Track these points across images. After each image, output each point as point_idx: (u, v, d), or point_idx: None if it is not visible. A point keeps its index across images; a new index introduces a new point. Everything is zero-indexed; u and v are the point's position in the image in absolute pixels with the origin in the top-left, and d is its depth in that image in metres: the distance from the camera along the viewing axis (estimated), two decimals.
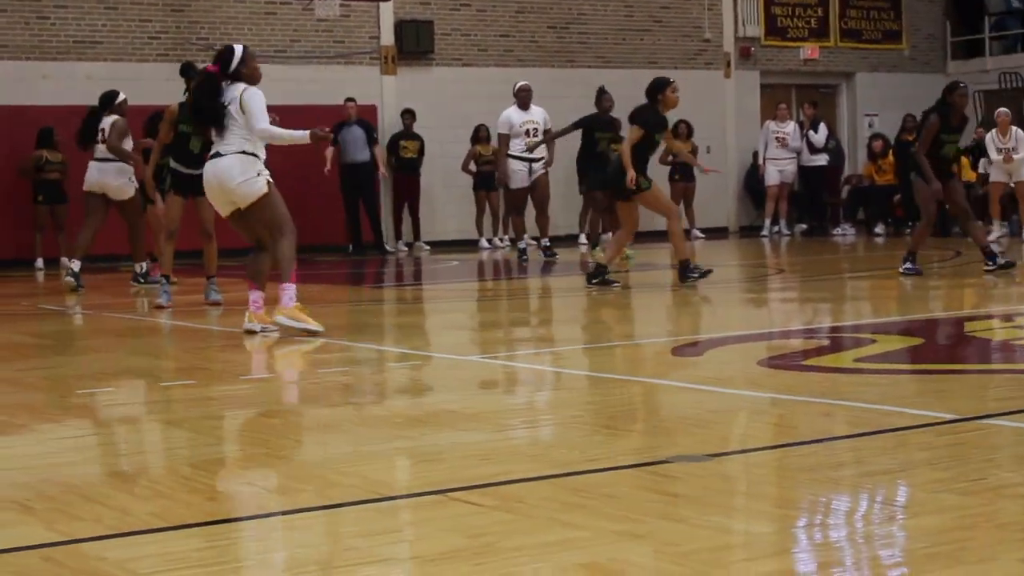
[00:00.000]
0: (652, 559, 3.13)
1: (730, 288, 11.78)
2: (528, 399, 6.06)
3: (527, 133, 15.00)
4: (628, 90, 20.26)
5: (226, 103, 8.23)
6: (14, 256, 16.79)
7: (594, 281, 10.90)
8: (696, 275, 10.85)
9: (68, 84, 17.43)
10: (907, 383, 6.12)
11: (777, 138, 20.16)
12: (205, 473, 4.22)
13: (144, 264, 13.06)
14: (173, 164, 10.51)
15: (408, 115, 18.89)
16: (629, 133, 11.17)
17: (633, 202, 11.15)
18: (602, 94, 14.63)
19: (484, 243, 19.19)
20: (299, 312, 8.17)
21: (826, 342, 7.68)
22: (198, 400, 5.88)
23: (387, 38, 19.45)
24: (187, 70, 12.08)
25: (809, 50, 22.78)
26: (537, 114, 15.16)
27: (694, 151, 19.77)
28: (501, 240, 19.25)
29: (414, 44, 19.50)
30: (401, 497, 3.95)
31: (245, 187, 8.14)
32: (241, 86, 8.28)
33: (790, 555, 3.24)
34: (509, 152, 14.97)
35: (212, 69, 8.61)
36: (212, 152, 8.34)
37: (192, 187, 9.97)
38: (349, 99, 18.08)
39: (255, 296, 8.34)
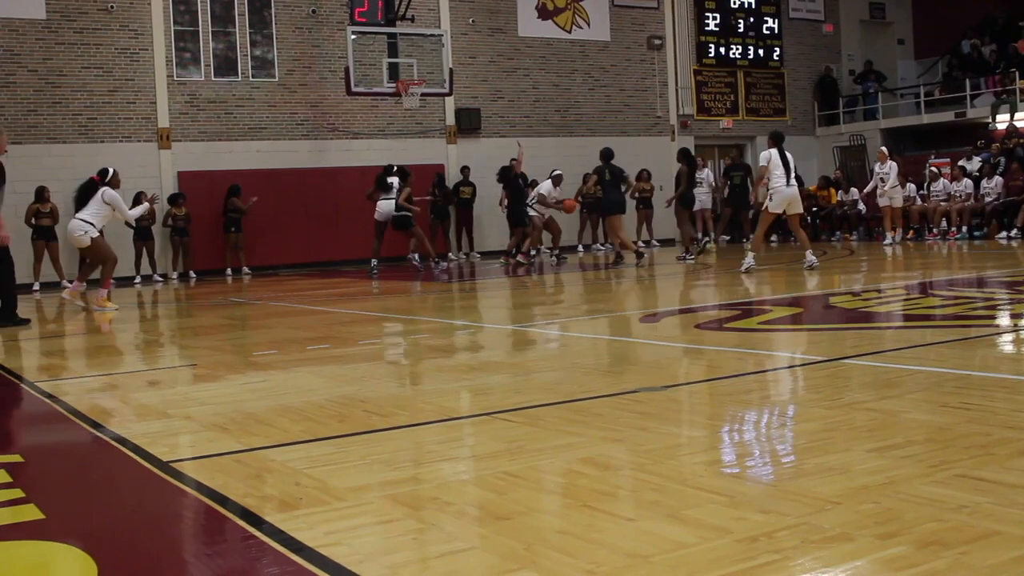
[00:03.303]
0: (627, 455, 3.14)
1: (675, 278, 11.74)
2: (544, 353, 6.08)
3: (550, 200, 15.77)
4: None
5: None
6: (212, 266, 16.94)
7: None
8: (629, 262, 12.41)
9: (244, 156, 17.56)
10: (793, 337, 6.11)
11: (698, 180, 20.01)
12: (335, 404, 4.25)
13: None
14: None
15: (465, 170, 18.91)
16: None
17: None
18: (610, 155, 14.40)
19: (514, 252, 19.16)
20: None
21: (739, 311, 7.67)
22: (330, 357, 5.90)
23: (450, 120, 19.45)
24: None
25: (726, 122, 22.69)
26: (553, 189, 15.92)
27: (652, 189, 19.79)
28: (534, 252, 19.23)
29: (468, 123, 19.50)
30: (463, 418, 3.98)
31: None
32: None
33: (717, 450, 3.25)
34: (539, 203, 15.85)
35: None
36: None
37: None
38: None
39: None
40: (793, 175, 11.11)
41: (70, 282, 15.14)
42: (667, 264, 13.88)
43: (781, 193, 11.02)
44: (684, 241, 15.10)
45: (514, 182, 15.45)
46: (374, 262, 14.75)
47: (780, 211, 11.18)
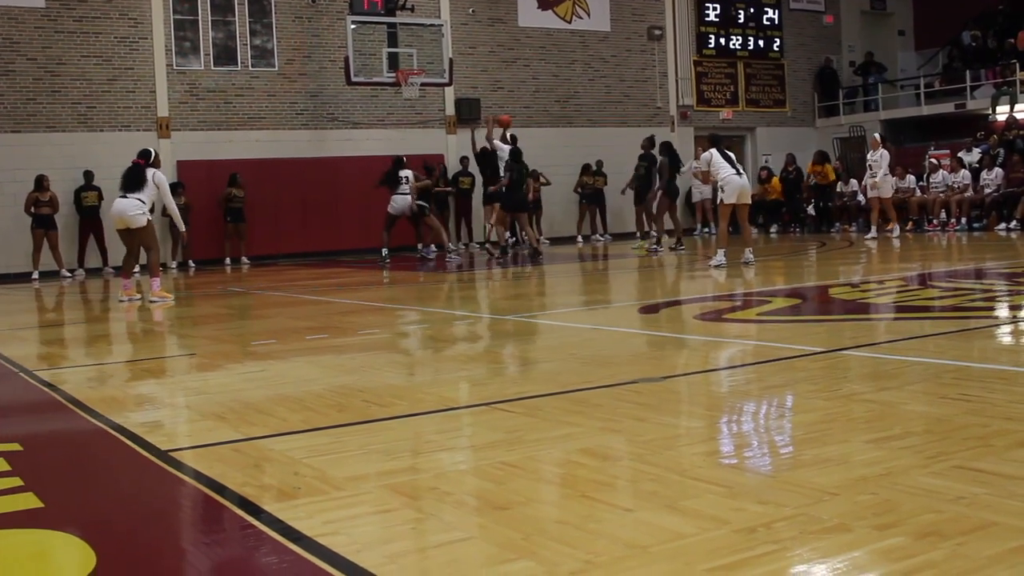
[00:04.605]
0: (625, 445, 3.13)
1: (675, 269, 11.73)
2: (543, 343, 6.07)
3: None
4: (609, 140, 20.42)
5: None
6: (211, 256, 16.91)
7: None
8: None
9: (244, 145, 17.52)
10: (791, 328, 6.10)
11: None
12: (334, 394, 4.25)
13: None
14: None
15: (464, 160, 18.85)
16: None
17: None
18: (518, 155, 14.55)
19: (511, 240, 19.16)
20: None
21: (739, 302, 7.66)
22: (329, 347, 5.89)
23: (450, 110, 19.39)
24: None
25: (726, 113, 22.63)
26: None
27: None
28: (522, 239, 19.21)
29: (467, 113, 19.42)
30: (461, 408, 3.98)
31: None
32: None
33: (716, 440, 3.25)
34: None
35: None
36: None
37: None
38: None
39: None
40: (739, 166, 11.11)
41: (70, 271, 15.26)
42: (670, 255, 13.87)
43: (733, 183, 10.87)
44: (676, 231, 15.11)
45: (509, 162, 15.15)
46: (384, 251, 14.86)
47: (734, 200, 10.96)
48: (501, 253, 14.59)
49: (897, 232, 15.49)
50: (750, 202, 11.41)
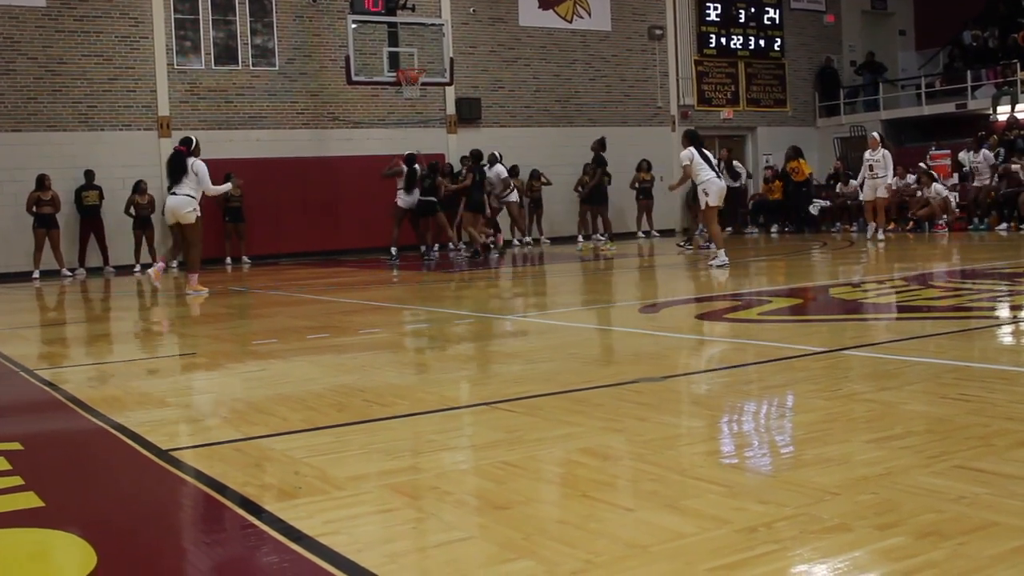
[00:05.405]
0: (626, 445, 3.13)
1: (675, 268, 11.73)
2: (544, 343, 6.07)
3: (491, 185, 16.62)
4: (609, 140, 20.37)
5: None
6: (211, 256, 16.88)
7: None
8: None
9: (245, 145, 17.52)
10: (792, 328, 6.10)
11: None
12: (335, 393, 4.25)
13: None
14: None
15: (464, 161, 18.81)
16: None
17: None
18: (479, 157, 15.43)
19: (515, 242, 19.17)
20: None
21: (739, 302, 7.66)
22: (330, 347, 5.90)
23: (451, 109, 19.39)
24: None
25: (726, 112, 22.62)
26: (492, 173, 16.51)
27: (652, 179, 19.81)
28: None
29: (468, 113, 19.45)
30: (462, 407, 3.98)
31: None
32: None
33: (716, 440, 3.24)
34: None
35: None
36: None
37: None
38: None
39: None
40: (717, 168, 11.09)
41: (71, 271, 15.28)
42: (667, 255, 13.87)
43: (714, 185, 10.88)
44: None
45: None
46: (394, 251, 14.93)
47: (720, 203, 10.97)
48: (482, 251, 14.86)
49: (881, 235, 14.87)
50: (721, 205, 11.43)
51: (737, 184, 18.77)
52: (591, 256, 14.45)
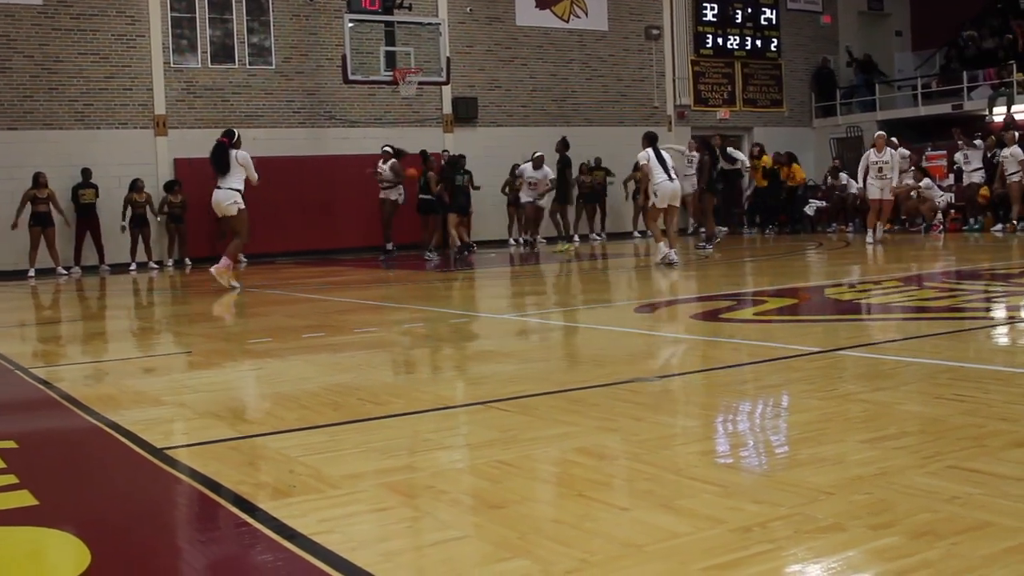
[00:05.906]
0: (621, 444, 3.13)
1: (674, 268, 11.74)
2: (539, 343, 6.07)
3: (531, 185, 17.15)
4: (606, 140, 20.44)
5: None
6: (208, 254, 16.85)
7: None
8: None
9: (241, 143, 17.45)
10: (787, 328, 6.10)
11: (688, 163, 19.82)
12: (330, 392, 4.25)
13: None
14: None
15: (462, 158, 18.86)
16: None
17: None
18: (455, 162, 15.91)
19: (511, 241, 19.19)
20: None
21: (735, 302, 7.66)
22: (325, 345, 5.88)
23: (447, 109, 19.39)
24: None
25: (723, 112, 22.64)
26: (541, 174, 17.17)
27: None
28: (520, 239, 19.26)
29: (465, 112, 19.45)
30: (457, 406, 3.97)
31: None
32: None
33: (711, 440, 3.25)
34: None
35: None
36: None
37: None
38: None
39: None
40: (672, 170, 11.18)
41: (67, 269, 15.25)
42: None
43: (664, 188, 11.08)
44: (708, 230, 14.71)
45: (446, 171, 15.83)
46: (390, 245, 15.22)
47: (665, 205, 11.16)
48: (467, 251, 15.24)
49: (880, 235, 14.70)
50: (679, 205, 11.53)
51: (736, 167, 18.64)
52: (573, 257, 14.44)
